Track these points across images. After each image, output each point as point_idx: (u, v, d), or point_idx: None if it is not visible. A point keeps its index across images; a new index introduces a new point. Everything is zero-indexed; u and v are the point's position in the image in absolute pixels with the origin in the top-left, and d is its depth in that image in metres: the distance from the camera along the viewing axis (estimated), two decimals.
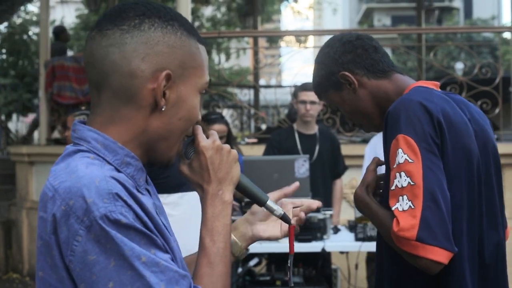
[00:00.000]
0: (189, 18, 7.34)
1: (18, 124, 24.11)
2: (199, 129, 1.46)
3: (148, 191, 1.43)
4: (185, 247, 1.60)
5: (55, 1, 22.31)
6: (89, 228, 1.21)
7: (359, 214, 4.80)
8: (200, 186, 1.46)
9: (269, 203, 1.54)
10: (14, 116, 21.46)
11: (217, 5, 19.85)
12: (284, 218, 1.56)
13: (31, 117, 25.24)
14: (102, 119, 1.37)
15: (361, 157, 5.81)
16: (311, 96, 5.34)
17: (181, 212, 3.88)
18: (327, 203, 5.37)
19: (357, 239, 4.76)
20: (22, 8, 18.00)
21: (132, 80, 1.34)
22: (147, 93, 1.34)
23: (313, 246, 4.71)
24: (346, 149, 6.70)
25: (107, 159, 1.34)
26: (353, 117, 2.22)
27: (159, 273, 1.23)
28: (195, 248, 1.47)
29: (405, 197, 1.85)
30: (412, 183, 1.84)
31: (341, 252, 5.24)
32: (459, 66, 21.99)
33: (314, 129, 5.59)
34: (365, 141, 6.89)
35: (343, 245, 4.90)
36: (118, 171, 1.34)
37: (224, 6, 19.84)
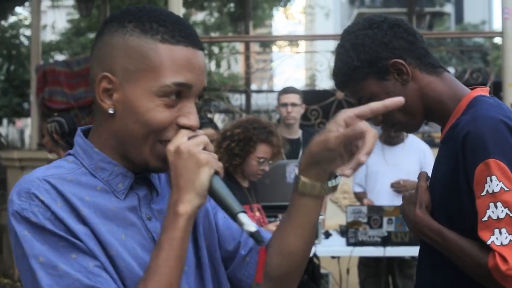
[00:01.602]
0: None
1: (8, 129, 24.00)
2: (178, 134, 1.34)
3: (138, 195, 1.41)
4: None
5: (46, 6, 22.24)
6: (11, 223, 1.28)
7: (350, 219, 4.80)
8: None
9: (241, 216, 1.30)
10: (5, 121, 21.37)
11: (209, 10, 19.84)
12: (254, 236, 1.29)
13: (22, 121, 25.12)
14: (96, 121, 1.42)
15: None
16: (292, 98, 5.36)
17: None
18: None
19: (349, 244, 4.76)
20: (13, 12, 17.93)
21: (93, 85, 1.38)
22: (98, 97, 1.37)
23: None
24: None
25: (84, 163, 1.39)
26: (390, 113, 1.82)
27: (57, 277, 1.23)
28: None
29: (503, 230, 1.69)
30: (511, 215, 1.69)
31: (333, 257, 5.23)
32: (450, 71, 22.02)
33: (298, 133, 5.59)
34: None
35: (335, 249, 4.90)
36: (93, 175, 1.37)
37: (215, 11, 19.83)
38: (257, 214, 4.23)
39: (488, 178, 1.71)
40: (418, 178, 1.96)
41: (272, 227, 4.10)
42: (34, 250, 1.24)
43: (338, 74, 1.97)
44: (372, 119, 1.93)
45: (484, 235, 1.72)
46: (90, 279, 1.24)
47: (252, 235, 1.29)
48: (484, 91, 1.93)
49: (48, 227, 1.25)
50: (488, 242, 1.70)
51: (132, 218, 1.38)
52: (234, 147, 4.02)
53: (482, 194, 1.72)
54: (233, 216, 1.31)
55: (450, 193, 1.83)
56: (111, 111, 1.35)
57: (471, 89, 1.95)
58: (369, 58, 1.90)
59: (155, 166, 1.38)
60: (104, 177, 1.37)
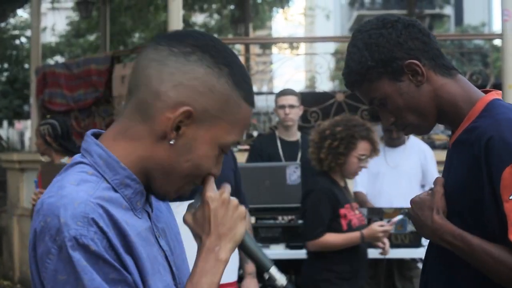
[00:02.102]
0: (180, 26, 7.34)
1: (8, 131, 24.01)
2: (210, 180, 1.37)
3: (149, 214, 1.40)
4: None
5: (46, 8, 22.25)
6: (61, 248, 1.19)
7: None
8: (199, 237, 1.38)
9: (272, 270, 1.39)
10: (5, 123, 21.36)
11: (209, 13, 19.85)
12: None
13: (22, 123, 25.13)
14: (118, 129, 1.35)
15: None
16: (290, 100, 5.35)
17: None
18: None
19: None
20: (13, 14, 17.94)
21: (156, 101, 1.30)
22: (164, 120, 1.30)
23: (304, 253, 4.71)
24: None
25: (106, 177, 1.31)
26: (403, 114, 1.90)
27: None
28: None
29: None
30: None
31: None
32: None
33: (296, 135, 5.58)
34: None
35: None
36: (115, 191, 1.31)
37: (216, 12, 19.84)
38: (357, 212, 4.23)
39: None
40: (434, 183, 1.92)
41: (376, 227, 4.10)
42: (94, 283, 1.19)
43: (350, 73, 1.92)
44: (384, 120, 1.94)
45: None
46: None
47: None
48: (498, 94, 1.91)
49: (105, 256, 1.21)
50: None
51: (151, 238, 1.37)
52: (338, 146, 4.01)
53: (511, 197, 1.69)
54: (266, 271, 1.38)
55: (467, 197, 1.80)
56: (172, 142, 1.31)
57: (485, 92, 1.93)
58: (383, 58, 1.85)
59: (169, 199, 1.39)
60: (127, 195, 1.33)
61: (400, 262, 5.37)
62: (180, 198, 1.42)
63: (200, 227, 1.37)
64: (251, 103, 1.36)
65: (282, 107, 5.39)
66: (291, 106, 5.37)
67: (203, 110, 1.30)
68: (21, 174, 8.77)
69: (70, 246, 1.18)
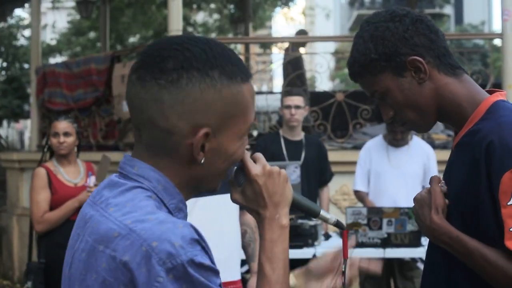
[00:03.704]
0: (180, 25, 7.34)
1: (8, 131, 24.01)
2: (247, 156, 1.43)
3: None
4: None
5: (46, 7, 22.25)
6: (170, 270, 1.22)
7: (350, 220, 4.80)
8: (256, 211, 1.45)
9: (322, 212, 1.55)
10: (5, 123, 21.37)
11: (209, 11, 19.84)
12: (338, 224, 1.56)
13: (22, 123, 25.12)
14: (148, 161, 1.37)
15: (352, 163, 5.81)
16: (296, 100, 5.36)
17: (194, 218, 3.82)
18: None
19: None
20: (12, 14, 17.93)
21: (170, 136, 1.32)
22: (186, 147, 1.32)
23: (304, 253, 4.71)
24: (337, 156, 6.70)
25: (165, 202, 1.35)
26: (403, 110, 1.88)
27: None
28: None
29: None
30: None
31: None
32: None
33: (300, 135, 5.59)
34: (356, 148, 6.89)
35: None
36: (172, 214, 1.34)
37: (215, 12, 19.84)
38: None
39: None
40: (430, 181, 1.89)
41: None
42: None
43: (353, 64, 1.90)
44: (384, 113, 1.92)
45: (511, 245, 1.68)
46: None
47: (336, 224, 1.55)
48: (502, 95, 1.88)
49: (215, 268, 1.27)
50: None
51: None
52: None
53: (508, 203, 1.68)
54: (316, 215, 1.54)
55: (467, 200, 1.79)
56: (202, 161, 1.34)
57: (489, 92, 1.91)
58: (387, 51, 1.83)
59: (215, 191, 1.45)
60: (180, 218, 1.36)
61: (401, 262, 5.38)
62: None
63: (254, 202, 1.45)
64: (249, 77, 1.38)
65: (288, 107, 5.40)
66: (297, 107, 5.38)
67: (217, 121, 1.33)
68: (21, 173, 8.77)
69: (189, 267, 1.22)
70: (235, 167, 1.44)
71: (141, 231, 1.24)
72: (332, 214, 1.58)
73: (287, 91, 5.53)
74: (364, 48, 1.86)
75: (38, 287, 4.55)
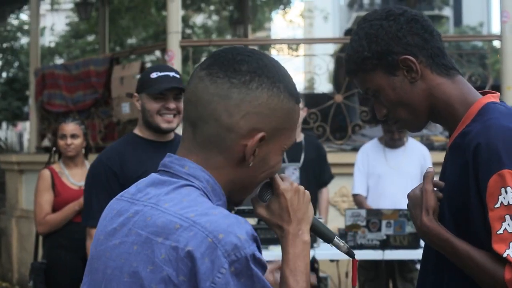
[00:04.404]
0: (179, 26, 7.34)
1: (7, 132, 24.01)
2: (276, 173, 1.51)
3: None
4: None
5: (45, 9, 22.26)
6: (233, 262, 1.27)
7: (349, 222, 4.80)
8: (279, 226, 1.51)
9: (336, 239, 1.61)
10: (4, 125, 21.36)
11: (208, 13, 19.85)
12: (349, 253, 1.62)
13: (21, 125, 25.12)
14: (197, 160, 1.43)
15: (351, 165, 5.81)
16: None
17: None
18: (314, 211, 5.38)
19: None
20: (12, 16, 17.94)
21: (229, 134, 1.40)
22: (240, 148, 1.40)
23: None
24: (336, 157, 6.70)
25: (212, 202, 1.40)
26: (395, 108, 1.89)
27: None
28: None
29: None
30: None
31: (331, 260, 5.23)
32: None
33: (300, 137, 5.58)
34: (356, 149, 6.89)
35: (333, 253, 4.88)
36: None
37: (214, 14, 19.85)
38: None
39: (503, 190, 1.67)
40: (424, 179, 1.89)
41: None
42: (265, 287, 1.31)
43: (348, 61, 1.93)
44: (377, 111, 1.94)
45: (499, 248, 1.67)
46: None
47: (347, 253, 1.61)
48: (495, 97, 1.88)
49: (266, 265, 1.33)
50: (504, 255, 1.66)
51: None
52: None
53: (496, 206, 1.68)
54: (330, 241, 1.60)
55: (458, 202, 1.79)
56: (250, 165, 1.42)
57: (483, 94, 1.91)
58: (380, 50, 1.84)
59: (241, 204, 1.52)
60: None
61: (401, 264, 5.37)
62: None
63: (278, 217, 1.50)
64: (299, 101, 1.49)
65: None
66: None
67: (272, 129, 1.42)
68: (20, 175, 8.77)
69: (251, 261, 1.28)
70: (261, 185, 1.52)
71: (205, 223, 1.29)
72: (343, 241, 1.63)
73: None
74: (358, 46, 1.88)
75: (39, 287, 4.57)
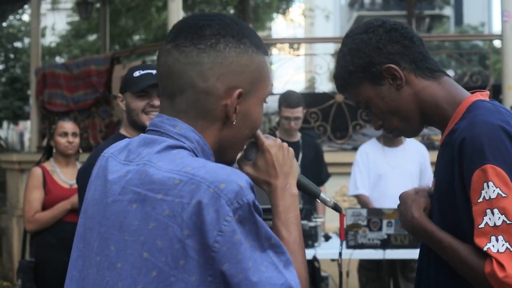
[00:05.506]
0: None
1: (8, 132, 24.02)
2: (259, 131, 1.56)
3: None
4: None
5: (46, 9, 22.26)
6: (236, 210, 1.29)
7: (350, 222, 4.80)
8: (267, 182, 1.55)
9: (322, 195, 1.64)
10: (5, 124, 21.37)
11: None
12: (335, 208, 1.66)
13: (22, 124, 25.11)
14: (197, 126, 1.46)
15: (352, 164, 5.81)
16: (295, 112, 5.27)
17: None
18: (311, 210, 5.36)
19: (348, 246, 4.76)
20: (12, 16, 17.94)
21: (208, 97, 1.43)
22: (221, 108, 1.44)
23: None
24: (336, 157, 6.71)
25: None
26: (387, 117, 1.95)
27: (280, 254, 1.34)
28: None
29: (500, 237, 1.68)
30: (508, 222, 1.67)
31: (332, 260, 5.23)
32: (449, 74, 21.92)
33: (297, 136, 5.56)
34: (356, 149, 6.90)
35: (334, 252, 4.89)
36: None
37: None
38: None
39: (485, 184, 1.70)
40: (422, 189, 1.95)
41: None
42: (267, 233, 1.33)
43: (336, 78, 2.00)
44: (373, 123, 2.01)
45: (480, 242, 1.71)
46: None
47: (334, 207, 1.65)
48: (483, 95, 1.92)
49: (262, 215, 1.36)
50: (485, 249, 1.69)
51: None
52: None
53: (478, 201, 1.71)
54: (317, 197, 1.64)
55: (446, 198, 1.83)
56: (234, 122, 1.46)
57: (471, 93, 1.94)
58: (362, 63, 1.91)
59: (233, 163, 1.55)
60: None
61: (403, 264, 5.37)
62: None
63: (265, 173, 1.55)
64: (267, 52, 1.53)
65: (288, 118, 5.31)
66: (296, 118, 5.31)
67: (248, 84, 1.46)
68: (21, 175, 8.77)
69: (253, 208, 1.31)
70: (246, 144, 1.56)
71: (205, 174, 1.31)
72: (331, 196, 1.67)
73: (286, 102, 5.33)
74: (343, 62, 1.95)
75: (26, 285, 4.55)
